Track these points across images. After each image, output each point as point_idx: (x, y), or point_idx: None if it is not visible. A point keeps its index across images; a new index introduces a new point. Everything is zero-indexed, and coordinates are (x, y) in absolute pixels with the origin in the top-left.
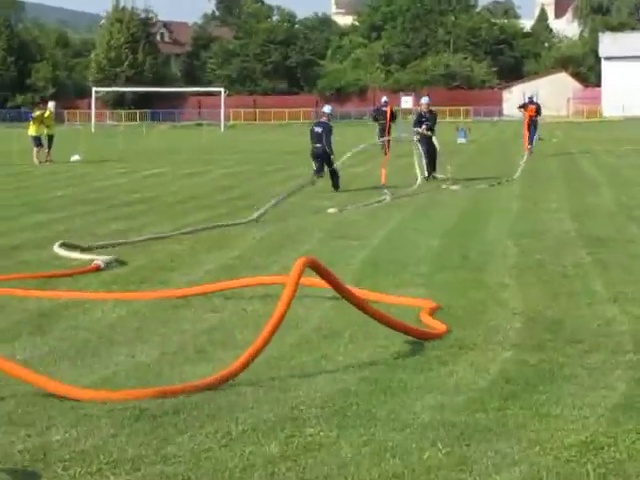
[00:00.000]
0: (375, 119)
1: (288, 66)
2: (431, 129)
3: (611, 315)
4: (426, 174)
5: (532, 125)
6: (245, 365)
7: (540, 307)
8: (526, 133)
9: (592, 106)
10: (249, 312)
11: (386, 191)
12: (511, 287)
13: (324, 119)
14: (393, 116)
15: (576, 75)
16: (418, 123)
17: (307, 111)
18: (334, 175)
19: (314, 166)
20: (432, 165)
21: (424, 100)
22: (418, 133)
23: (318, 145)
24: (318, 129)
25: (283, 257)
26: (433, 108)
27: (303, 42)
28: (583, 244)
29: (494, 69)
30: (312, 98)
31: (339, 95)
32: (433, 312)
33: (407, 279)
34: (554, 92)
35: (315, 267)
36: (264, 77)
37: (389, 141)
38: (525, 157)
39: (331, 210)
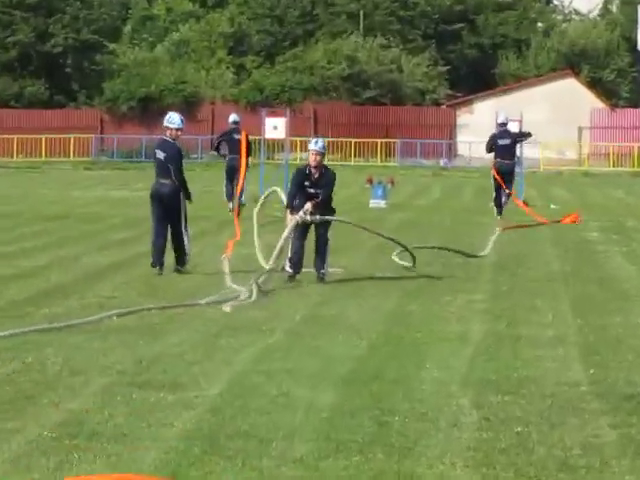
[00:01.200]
0: (218, 151)
1: (48, 54)
2: (322, 202)
3: None
4: (288, 268)
5: (505, 175)
6: None
7: None
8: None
9: (624, 143)
10: None
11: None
12: None
13: (168, 134)
14: (248, 149)
15: (595, 84)
16: (296, 197)
17: (84, 139)
18: (180, 241)
19: (153, 231)
20: (321, 257)
21: (315, 145)
22: (303, 221)
23: (164, 182)
24: (160, 154)
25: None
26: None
27: (77, 9)
28: (601, 407)
29: (443, 68)
30: (94, 114)
31: (145, 110)
32: None
33: (269, 470)
34: (554, 116)
35: None
36: (1, 73)
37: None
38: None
39: (227, 308)
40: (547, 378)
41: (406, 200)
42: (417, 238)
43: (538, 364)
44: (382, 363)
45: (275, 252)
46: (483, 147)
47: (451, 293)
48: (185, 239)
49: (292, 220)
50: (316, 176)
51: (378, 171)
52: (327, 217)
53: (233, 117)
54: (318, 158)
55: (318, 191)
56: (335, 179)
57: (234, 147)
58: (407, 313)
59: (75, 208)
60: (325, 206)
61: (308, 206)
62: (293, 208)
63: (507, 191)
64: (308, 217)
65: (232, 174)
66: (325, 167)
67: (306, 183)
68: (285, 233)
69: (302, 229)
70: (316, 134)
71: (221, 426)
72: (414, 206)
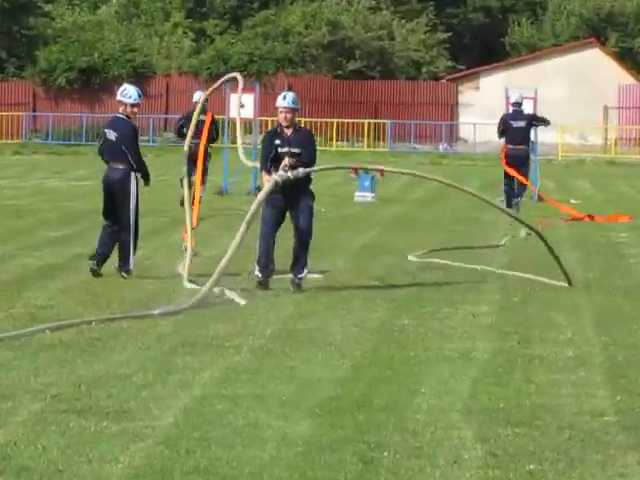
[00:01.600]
0: (180, 134)
1: None
2: (306, 164)
3: None
4: (257, 272)
5: (518, 164)
6: None
7: None
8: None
9: None
10: None
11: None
12: None
13: (121, 111)
14: (213, 133)
15: (624, 55)
16: (268, 159)
17: (13, 117)
18: (128, 238)
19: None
20: (301, 256)
21: (284, 100)
22: (283, 180)
23: (116, 166)
24: (111, 133)
25: None
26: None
27: None
28: (629, 440)
29: (442, 35)
30: (25, 87)
31: (87, 83)
32: None
33: None
34: (575, 94)
35: None
36: None
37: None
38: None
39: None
40: (565, 406)
41: (398, 193)
42: (412, 238)
43: (555, 390)
44: (369, 388)
45: (241, 229)
46: (489, 130)
47: (451, 304)
48: (133, 237)
49: (270, 181)
50: (289, 133)
51: (365, 158)
52: (314, 168)
53: (198, 94)
54: (289, 116)
55: (293, 150)
56: (314, 139)
57: (196, 129)
58: (399, 328)
59: (1, 200)
60: (306, 179)
61: (287, 161)
62: (269, 170)
63: (524, 182)
64: (289, 173)
65: (190, 162)
66: (299, 126)
67: (277, 142)
68: (260, 196)
69: (272, 224)
70: None
71: (176, 461)
72: (407, 200)
